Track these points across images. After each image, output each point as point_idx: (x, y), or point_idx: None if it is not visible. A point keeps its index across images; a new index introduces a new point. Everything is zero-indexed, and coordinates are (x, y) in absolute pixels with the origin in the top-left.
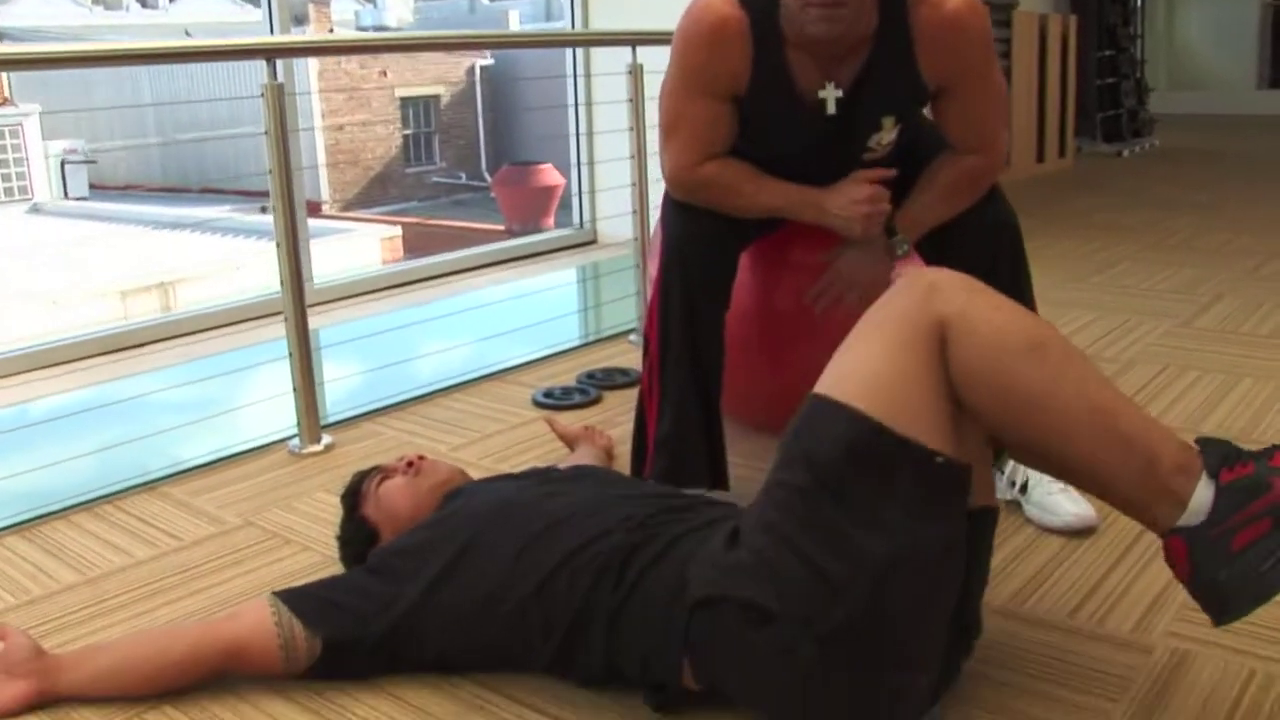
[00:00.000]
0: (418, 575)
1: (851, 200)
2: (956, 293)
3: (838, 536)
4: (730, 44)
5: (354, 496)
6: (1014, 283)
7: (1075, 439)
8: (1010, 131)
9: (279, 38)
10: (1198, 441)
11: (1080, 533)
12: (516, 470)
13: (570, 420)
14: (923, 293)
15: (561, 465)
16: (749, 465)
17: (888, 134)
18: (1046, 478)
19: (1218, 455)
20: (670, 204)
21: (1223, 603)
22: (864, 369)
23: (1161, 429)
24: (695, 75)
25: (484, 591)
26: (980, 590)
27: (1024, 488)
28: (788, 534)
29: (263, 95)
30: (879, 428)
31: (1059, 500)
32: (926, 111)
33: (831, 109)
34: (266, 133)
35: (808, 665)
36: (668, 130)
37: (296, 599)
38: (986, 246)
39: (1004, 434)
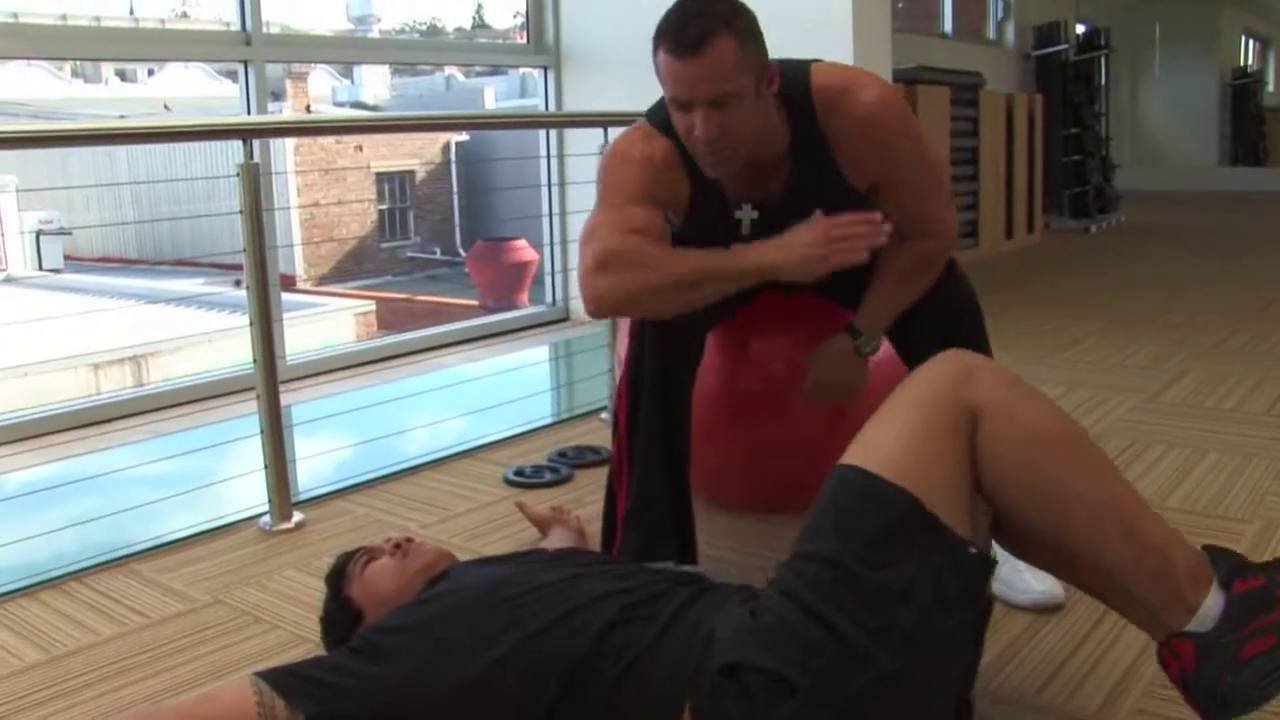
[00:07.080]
0: (401, 655)
1: (812, 237)
2: (993, 379)
3: (864, 609)
4: (667, 171)
5: (339, 577)
6: None
7: (1094, 535)
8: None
9: (256, 118)
10: (1207, 550)
11: (1047, 610)
12: (499, 553)
13: (541, 499)
14: (960, 375)
15: (547, 547)
16: (716, 544)
17: None
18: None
19: (1229, 566)
20: None
21: (1222, 705)
22: (896, 444)
23: (1177, 535)
24: (628, 191)
25: (469, 675)
26: (975, 673)
27: None
28: (811, 602)
29: (238, 174)
30: (919, 508)
31: (1026, 578)
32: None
33: (746, 230)
34: (242, 212)
35: None
36: (585, 238)
37: (278, 677)
38: (946, 324)
39: (1018, 522)
